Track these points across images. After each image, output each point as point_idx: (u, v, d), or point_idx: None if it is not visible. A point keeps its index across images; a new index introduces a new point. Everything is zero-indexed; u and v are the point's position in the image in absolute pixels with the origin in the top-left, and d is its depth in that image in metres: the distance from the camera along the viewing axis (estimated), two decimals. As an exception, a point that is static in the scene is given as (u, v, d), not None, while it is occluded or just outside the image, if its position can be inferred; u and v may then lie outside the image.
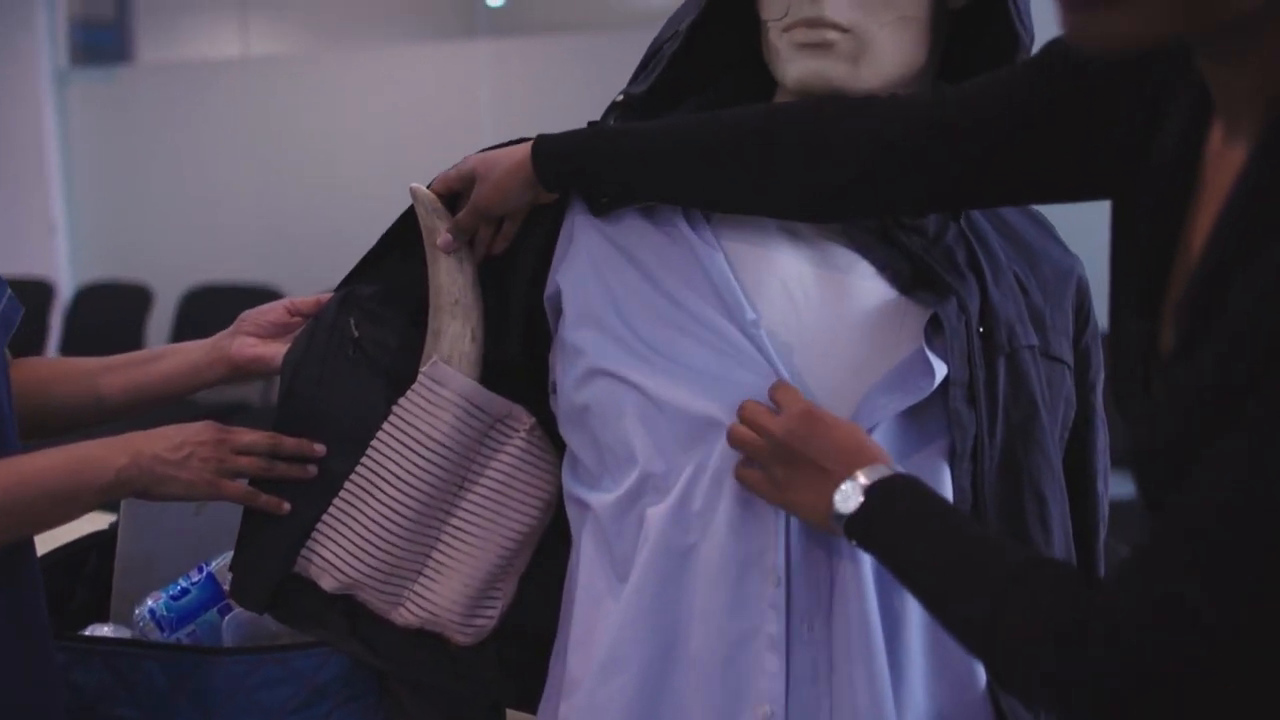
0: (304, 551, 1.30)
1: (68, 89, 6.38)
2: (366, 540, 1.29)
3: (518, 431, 1.31)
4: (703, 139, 1.16)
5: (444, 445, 1.29)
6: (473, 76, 5.60)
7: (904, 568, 0.96)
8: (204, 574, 1.43)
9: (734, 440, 1.10)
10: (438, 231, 1.28)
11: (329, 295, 1.36)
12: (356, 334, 1.31)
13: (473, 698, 1.40)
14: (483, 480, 1.32)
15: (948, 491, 1.13)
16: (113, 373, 1.37)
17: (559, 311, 1.25)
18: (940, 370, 1.12)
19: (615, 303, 1.19)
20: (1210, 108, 0.80)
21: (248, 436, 1.29)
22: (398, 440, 1.30)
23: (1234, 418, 0.66)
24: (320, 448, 1.30)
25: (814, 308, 1.17)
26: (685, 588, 1.13)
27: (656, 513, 1.14)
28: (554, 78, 5.32)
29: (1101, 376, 1.28)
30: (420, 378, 1.30)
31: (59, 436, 1.33)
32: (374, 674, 1.38)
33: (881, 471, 1.01)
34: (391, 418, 1.30)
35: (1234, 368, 0.66)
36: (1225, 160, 0.77)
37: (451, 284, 1.29)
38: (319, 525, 1.30)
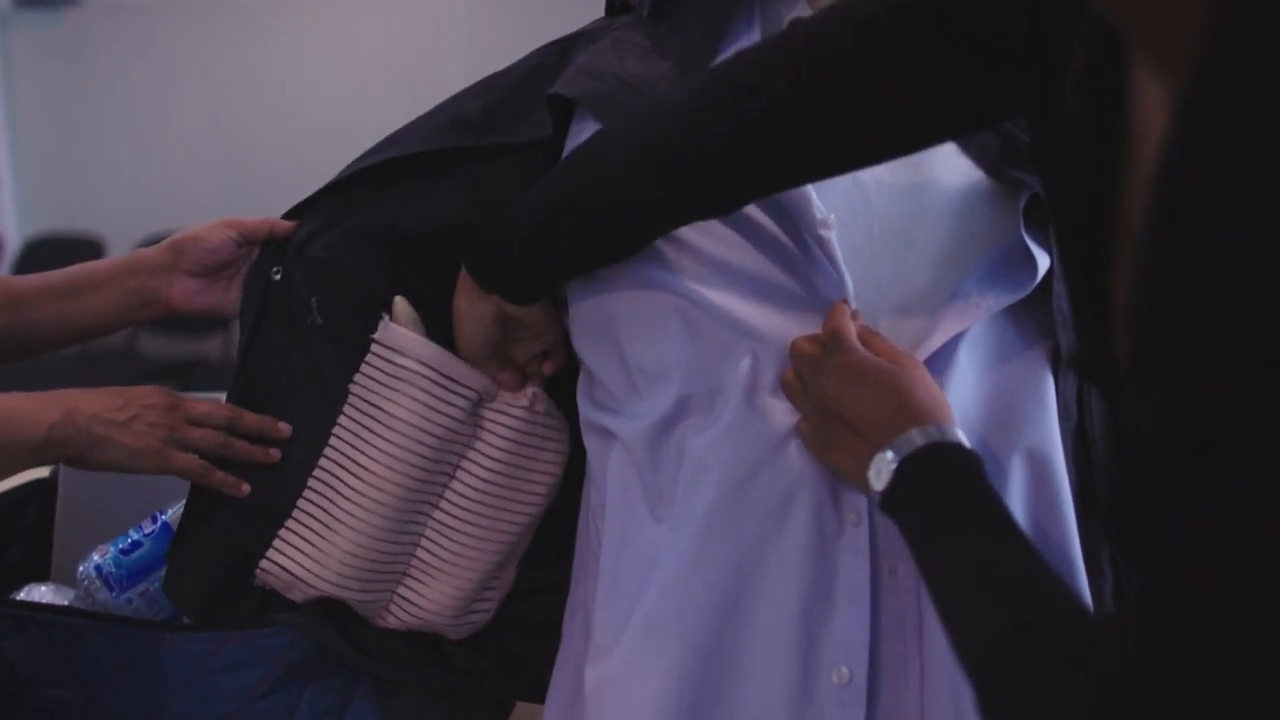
0: (264, 563, 1.13)
1: (11, 33, 6.18)
2: (335, 546, 1.11)
3: (515, 404, 1.13)
4: (567, 204, 1.00)
5: (413, 426, 1.10)
6: (443, 9, 5.41)
7: (922, 566, 0.81)
8: (158, 524, 1.24)
9: (783, 386, 0.95)
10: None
11: (281, 224, 1.16)
12: (320, 321, 1.12)
13: (474, 692, 1.22)
14: (475, 464, 1.14)
15: (1050, 403, 0.97)
16: (43, 302, 1.17)
17: None
18: (1043, 261, 0.94)
19: None
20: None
21: (202, 406, 1.13)
22: (360, 425, 1.11)
23: (1192, 483, 0.48)
24: (285, 427, 1.13)
25: (887, 193, 0.99)
26: (741, 529, 0.94)
27: (702, 440, 0.95)
28: (527, 9, 5.12)
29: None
30: (373, 347, 1.11)
31: None
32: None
33: (924, 438, 0.84)
34: (350, 398, 1.12)
35: (1191, 408, 0.48)
36: (1149, 99, 0.59)
37: None
38: (280, 533, 1.13)
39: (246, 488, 1.12)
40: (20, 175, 6.20)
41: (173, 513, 1.24)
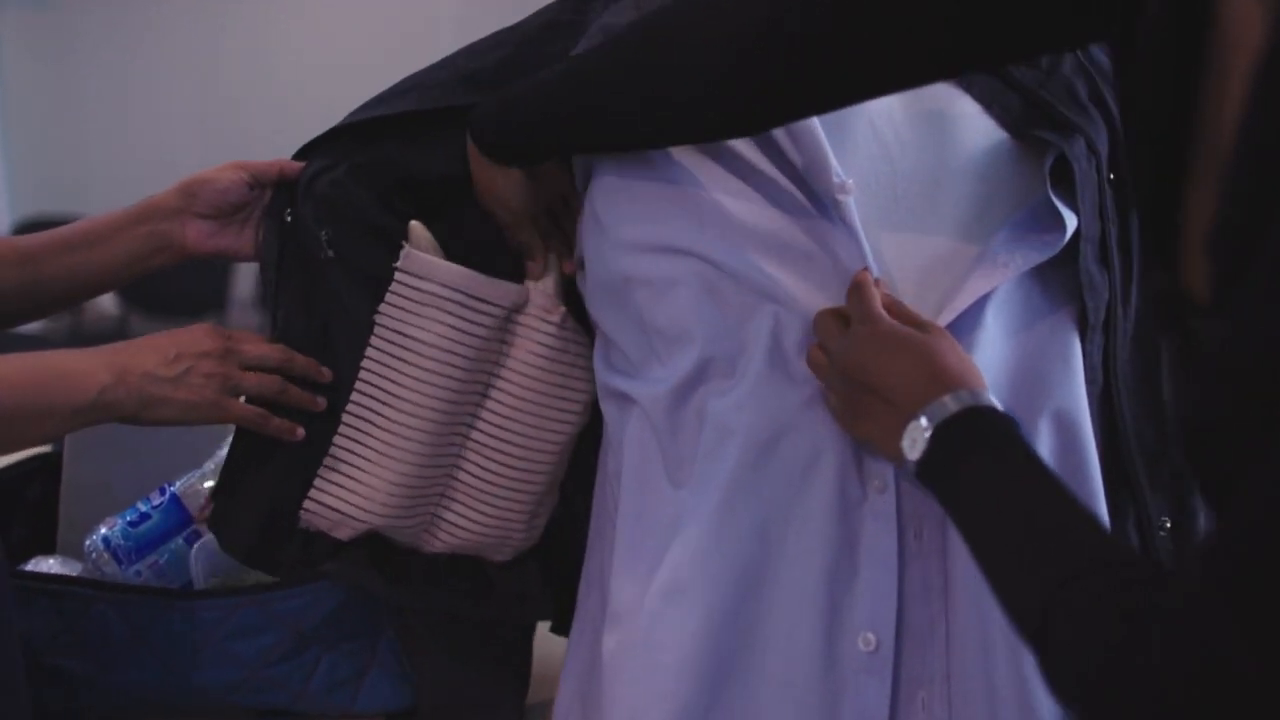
0: (308, 504, 1.12)
1: (0, 16, 6.09)
2: (378, 478, 1.10)
3: (547, 320, 1.11)
4: (587, 82, 0.97)
5: (443, 350, 1.09)
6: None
7: (965, 531, 0.79)
8: (166, 496, 1.23)
9: (809, 361, 0.93)
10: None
11: (290, 165, 1.15)
12: (331, 253, 1.10)
13: (515, 622, 1.21)
14: (507, 385, 1.12)
15: (1077, 366, 0.96)
16: (55, 256, 1.15)
17: (588, 173, 1.05)
18: (1071, 222, 0.94)
19: (667, 158, 0.99)
20: None
21: (258, 349, 1.10)
22: (389, 355, 1.10)
23: None
24: (327, 372, 1.12)
25: (910, 153, 0.98)
26: (764, 494, 0.93)
27: (724, 404, 0.94)
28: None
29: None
30: (396, 274, 1.10)
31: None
32: (368, 611, 1.18)
33: (958, 404, 0.82)
34: (376, 329, 1.10)
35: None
36: (1242, 10, 0.57)
37: None
38: (320, 473, 1.11)
39: (301, 432, 1.11)
40: (9, 159, 6.17)
41: (181, 485, 1.23)
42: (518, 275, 1.13)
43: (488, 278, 1.10)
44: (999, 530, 0.75)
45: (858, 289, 0.91)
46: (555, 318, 1.11)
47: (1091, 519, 0.72)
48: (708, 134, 0.96)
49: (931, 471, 0.82)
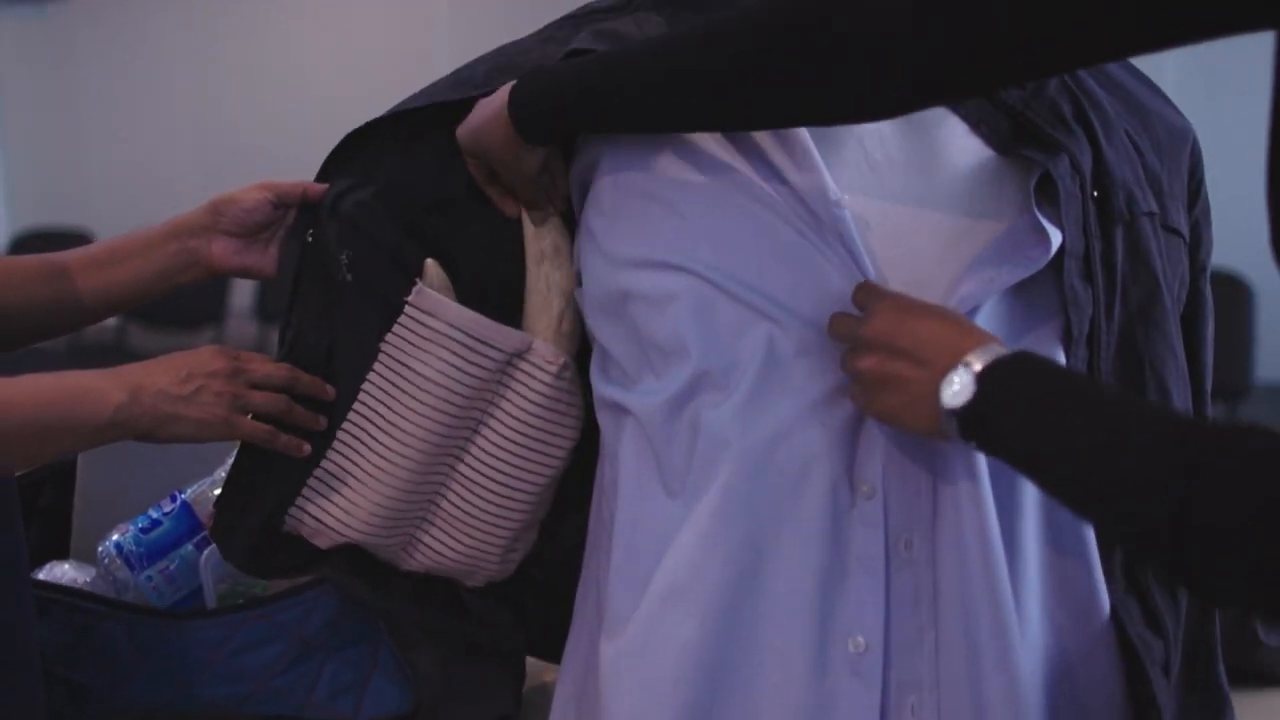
0: (293, 510, 1.15)
1: (-2, 27, 6.11)
2: (363, 497, 1.14)
3: (546, 370, 1.14)
4: (706, 57, 0.93)
5: (442, 386, 1.12)
6: (430, 5, 5.40)
7: (1042, 463, 0.78)
8: (177, 503, 1.26)
9: (843, 365, 0.95)
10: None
11: (314, 187, 1.17)
12: (349, 276, 1.13)
13: (487, 641, 1.24)
14: (498, 424, 1.15)
15: None
16: (86, 272, 1.19)
17: (587, 189, 1.08)
18: (1055, 238, 0.96)
19: (664, 174, 1.02)
20: None
21: (264, 367, 1.13)
22: (389, 382, 1.13)
23: None
24: (331, 390, 1.15)
25: (898, 171, 1.01)
26: (758, 502, 0.96)
27: (718, 415, 0.97)
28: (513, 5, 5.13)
29: (1211, 257, 1.13)
30: (406, 309, 1.13)
31: (25, 346, 1.17)
32: (368, 617, 1.22)
33: (996, 352, 0.83)
34: (380, 356, 1.14)
35: None
36: None
37: None
38: (309, 482, 1.15)
39: (308, 448, 1.14)
40: (7, 170, 6.17)
41: (192, 491, 1.26)
42: (518, 312, 1.16)
43: (494, 322, 1.13)
44: (1089, 444, 0.74)
45: (862, 288, 0.94)
46: (554, 367, 1.13)
47: (1174, 409, 0.71)
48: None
49: (977, 418, 0.82)
